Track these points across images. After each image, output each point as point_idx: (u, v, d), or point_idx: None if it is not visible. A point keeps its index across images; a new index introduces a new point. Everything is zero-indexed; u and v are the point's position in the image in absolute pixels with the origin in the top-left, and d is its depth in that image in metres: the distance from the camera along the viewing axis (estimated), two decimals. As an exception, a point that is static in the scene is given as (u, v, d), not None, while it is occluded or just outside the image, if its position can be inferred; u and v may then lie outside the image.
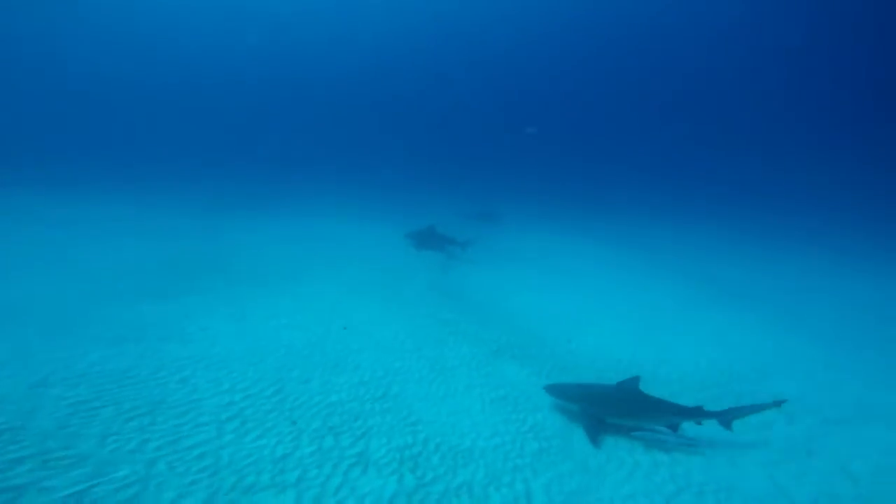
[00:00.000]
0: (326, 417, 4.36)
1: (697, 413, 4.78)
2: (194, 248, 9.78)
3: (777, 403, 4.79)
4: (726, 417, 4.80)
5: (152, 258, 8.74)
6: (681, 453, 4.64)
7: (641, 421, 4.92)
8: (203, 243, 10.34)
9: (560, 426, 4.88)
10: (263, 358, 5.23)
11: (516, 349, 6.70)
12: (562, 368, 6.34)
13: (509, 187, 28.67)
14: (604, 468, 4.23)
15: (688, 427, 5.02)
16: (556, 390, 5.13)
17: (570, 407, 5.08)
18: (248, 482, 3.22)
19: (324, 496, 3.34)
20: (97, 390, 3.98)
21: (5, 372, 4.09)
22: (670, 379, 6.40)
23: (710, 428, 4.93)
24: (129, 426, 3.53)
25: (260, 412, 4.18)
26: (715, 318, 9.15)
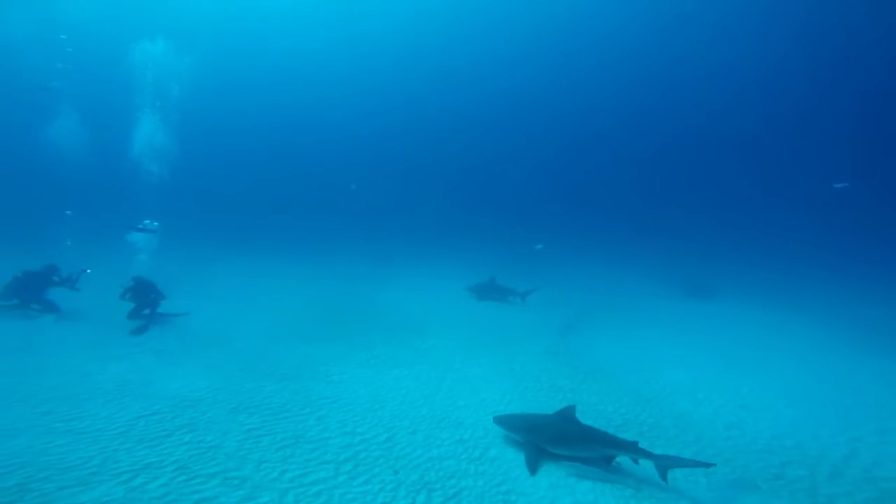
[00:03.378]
0: (425, 472, 4.54)
1: (632, 448, 4.68)
2: (341, 301, 11.63)
3: (707, 465, 4.56)
4: (662, 462, 4.57)
5: (311, 308, 10.69)
6: None
7: (577, 451, 4.87)
8: (348, 297, 12.20)
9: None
10: (383, 405, 5.82)
11: (646, 426, 5.88)
12: (714, 454, 5.27)
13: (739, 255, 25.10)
14: None
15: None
16: (503, 421, 5.34)
17: (514, 437, 5.20)
18: (350, 526, 3.66)
19: (409, 555, 3.52)
20: (264, 420, 5.11)
21: (218, 396, 5.66)
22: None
23: None
24: (277, 455, 4.41)
25: (370, 458, 4.63)
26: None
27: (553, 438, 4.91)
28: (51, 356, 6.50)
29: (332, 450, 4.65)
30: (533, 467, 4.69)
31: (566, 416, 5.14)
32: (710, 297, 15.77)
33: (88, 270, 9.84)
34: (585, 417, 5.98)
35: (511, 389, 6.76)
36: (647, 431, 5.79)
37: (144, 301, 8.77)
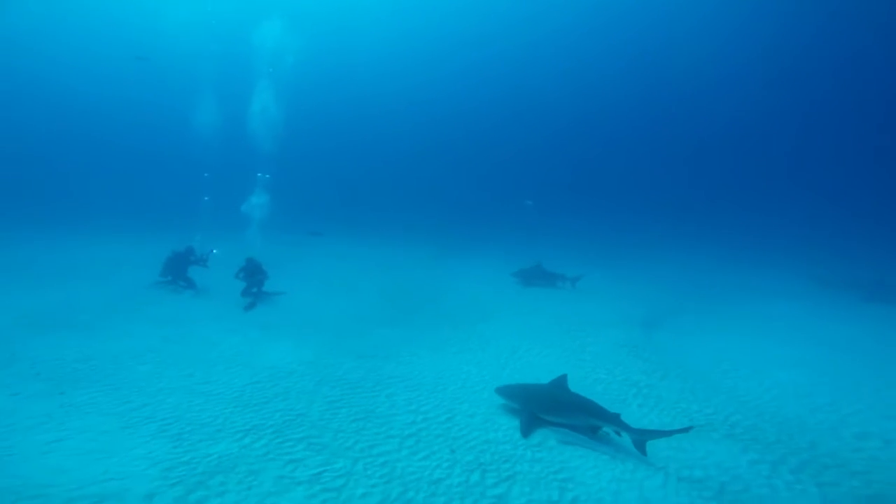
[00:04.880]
0: (480, 453, 4.88)
1: (614, 420, 5.00)
2: (412, 285, 12.50)
3: (686, 429, 4.89)
4: (640, 437, 4.84)
5: (385, 291, 11.66)
6: None
7: (566, 418, 5.29)
8: (418, 281, 13.05)
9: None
10: (445, 387, 6.30)
11: (739, 428, 5.52)
12: (836, 464, 4.83)
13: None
14: None
15: None
16: (503, 391, 5.79)
17: (512, 405, 5.67)
18: (408, 496, 4.11)
19: (460, 529, 3.97)
20: (342, 393, 5.95)
21: (307, 370, 6.69)
22: None
23: None
24: (352, 426, 5.16)
25: (431, 436, 5.12)
26: None
27: (545, 406, 5.39)
28: (190, 326, 8.31)
29: (397, 426, 5.26)
30: (526, 431, 5.18)
31: (559, 386, 5.65)
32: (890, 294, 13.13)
33: (215, 251, 12.01)
34: (664, 416, 5.79)
35: (578, 381, 6.72)
36: (739, 434, 5.39)
37: (253, 280, 10.51)
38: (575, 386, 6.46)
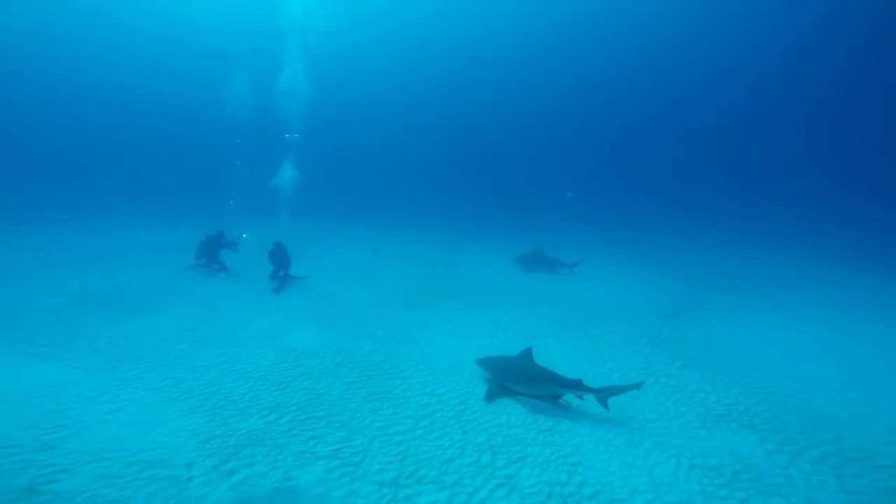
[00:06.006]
0: (491, 436, 5.09)
1: (577, 386, 5.36)
2: (428, 271, 12.78)
3: (638, 385, 5.26)
4: (602, 395, 5.27)
5: (404, 277, 11.99)
6: None
7: (531, 387, 5.67)
8: (434, 267, 13.31)
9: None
10: (461, 371, 6.50)
11: (759, 419, 5.51)
12: (861, 457, 4.80)
13: None
14: None
15: None
16: (481, 362, 6.26)
17: (487, 376, 6.15)
18: (421, 473, 4.40)
19: (469, 505, 4.21)
20: (361, 375, 6.29)
21: (328, 352, 7.06)
22: None
23: None
24: (369, 406, 5.48)
25: (444, 417, 5.37)
26: None
27: (513, 377, 5.79)
28: (222, 308, 8.88)
29: (412, 407, 5.53)
30: (490, 398, 5.69)
31: (526, 358, 6.03)
32: None
33: (245, 235, 12.61)
34: (681, 405, 5.81)
35: (595, 369, 6.78)
36: (758, 424, 5.37)
37: (280, 264, 11.00)
38: (592, 374, 6.57)
